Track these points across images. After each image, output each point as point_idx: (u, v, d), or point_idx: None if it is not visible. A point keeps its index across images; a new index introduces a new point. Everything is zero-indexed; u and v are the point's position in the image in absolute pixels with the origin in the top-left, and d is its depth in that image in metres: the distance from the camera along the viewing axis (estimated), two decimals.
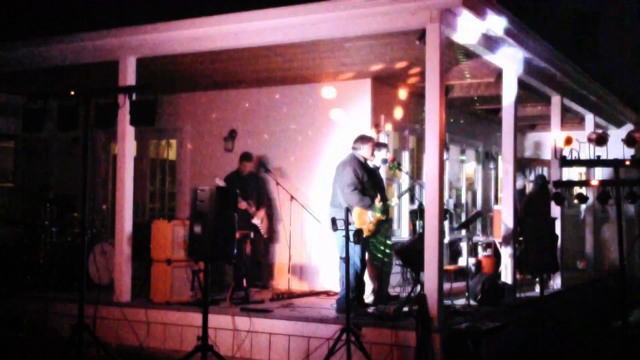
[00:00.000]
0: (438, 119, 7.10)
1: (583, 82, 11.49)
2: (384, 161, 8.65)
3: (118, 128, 8.42)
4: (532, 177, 14.00)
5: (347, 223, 6.80)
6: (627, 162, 6.88)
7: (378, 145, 8.77)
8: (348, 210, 6.95)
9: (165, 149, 12.24)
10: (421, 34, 7.30)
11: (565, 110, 11.34)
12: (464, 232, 9.17)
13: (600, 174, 13.45)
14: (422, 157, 9.81)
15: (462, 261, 9.81)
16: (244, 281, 9.01)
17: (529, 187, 13.43)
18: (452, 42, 7.82)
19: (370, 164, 8.50)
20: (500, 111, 9.40)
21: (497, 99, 9.86)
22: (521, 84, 9.55)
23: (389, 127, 10.65)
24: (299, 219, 10.23)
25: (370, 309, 7.94)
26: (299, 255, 10.25)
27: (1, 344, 8.20)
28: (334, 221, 7.03)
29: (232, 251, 6.29)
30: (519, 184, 11.77)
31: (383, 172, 9.50)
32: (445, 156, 9.52)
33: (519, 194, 11.33)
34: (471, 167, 14.04)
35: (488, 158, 14.36)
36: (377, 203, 8.18)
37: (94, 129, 6.35)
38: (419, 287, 7.66)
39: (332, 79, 10.33)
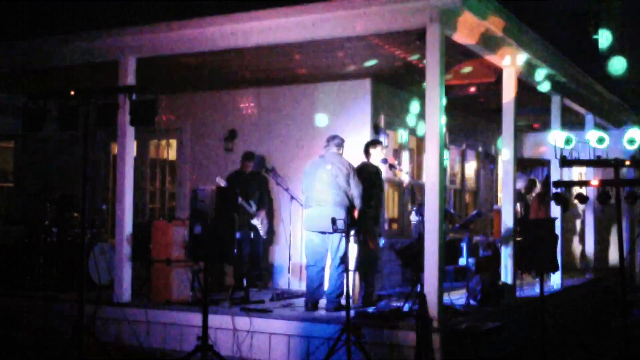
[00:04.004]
0: (438, 119, 7.09)
1: (583, 82, 11.48)
2: (384, 161, 8.64)
3: (118, 128, 8.43)
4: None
5: (347, 223, 6.80)
6: (627, 162, 6.87)
7: (374, 142, 8.80)
8: (348, 210, 6.95)
9: (165, 149, 12.24)
10: (421, 34, 7.30)
11: (565, 110, 11.34)
12: (464, 232, 9.16)
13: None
14: (422, 157, 9.80)
15: (462, 261, 9.80)
16: (244, 281, 9.01)
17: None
18: (452, 42, 7.82)
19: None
20: (500, 111, 9.39)
21: (497, 99, 9.85)
22: (521, 84, 9.55)
23: (388, 127, 10.64)
24: (299, 219, 10.20)
25: (370, 309, 7.93)
26: (299, 255, 10.23)
27: (1, 344, 8.21)
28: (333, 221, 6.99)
29: (232, 251, 6.30)
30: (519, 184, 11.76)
31: (383, 172, 9.45)
32: (445, 156, 9.51)
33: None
34: (471, 167, 14.02)
35: (488, 158, 14.34)
36: None
37: (94, 129, 6.33)
38: (419, 287, 7.65)
39: (332, 79, 10.32)
